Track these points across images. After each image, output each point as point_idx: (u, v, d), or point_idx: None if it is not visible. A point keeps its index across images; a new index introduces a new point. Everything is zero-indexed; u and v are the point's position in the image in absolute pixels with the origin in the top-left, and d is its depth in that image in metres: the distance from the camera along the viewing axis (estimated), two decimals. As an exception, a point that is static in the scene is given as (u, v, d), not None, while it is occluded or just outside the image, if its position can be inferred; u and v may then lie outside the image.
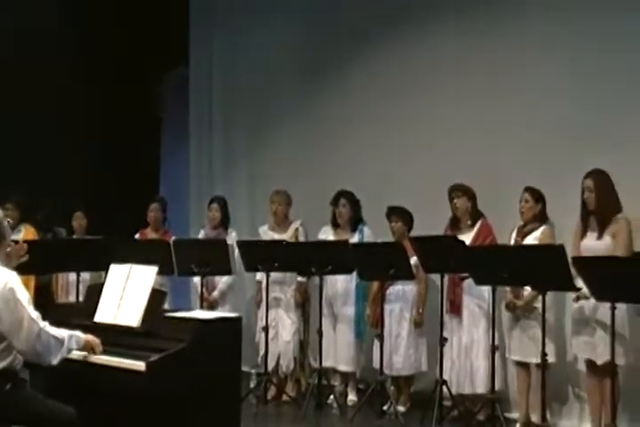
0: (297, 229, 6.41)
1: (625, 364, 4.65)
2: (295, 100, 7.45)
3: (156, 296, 3.74)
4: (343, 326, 6.06)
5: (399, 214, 5.97)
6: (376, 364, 5.69)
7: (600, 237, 4.86)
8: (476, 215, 5.65)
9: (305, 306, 6.36)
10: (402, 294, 5.84)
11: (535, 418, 4.95)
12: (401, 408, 5.69)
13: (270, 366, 6.07)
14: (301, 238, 6.37)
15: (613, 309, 4.26)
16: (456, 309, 5.53)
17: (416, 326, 5.77)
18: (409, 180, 6.40)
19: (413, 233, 5.80)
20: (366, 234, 6.17)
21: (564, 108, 5.58)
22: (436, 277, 5.57)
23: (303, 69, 7.42)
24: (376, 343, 5.74)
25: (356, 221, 6.21)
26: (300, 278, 6.27)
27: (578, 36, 5.58)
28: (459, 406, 5.35)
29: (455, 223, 5.73)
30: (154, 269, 3.76)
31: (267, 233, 6.47)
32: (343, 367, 6.08)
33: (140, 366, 3.35)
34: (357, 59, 7.02)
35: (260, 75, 7.71)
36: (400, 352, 5.76)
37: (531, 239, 5.24)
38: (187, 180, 8.44)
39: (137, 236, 6.77)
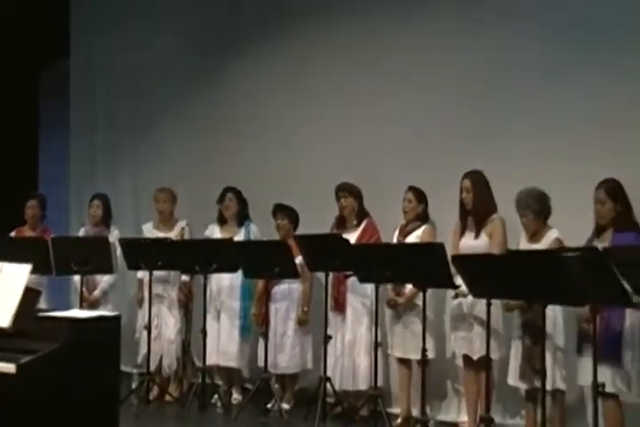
0: (183, 229, 6.34)
1: (499, 358, 4.86)
2: (180, 97, 7.39)
3: (30, 296, 3.61)
4: (228, 323, 6.04)
5: (285, 212, 6.01)
6: (261, 362, 5.70)
7: (477, 235, 5.04)
8: (361, 215, 5.76)
9: (188, 305, 6.30)
10: (287, 292, 5.88)
11: (416, 412, 5.09)
12: (285, 406, 5.73)
13: (153, 365, 5.98)
14: (187, 237, 6.31)
15: (489, 305, 4.42)
16: (340, 306, 5.61)
17: (301, 324, 5.83)
18: (296, 179, 6.45)
19: (300, 232, 5.85)
20: (253, 230, 6.18)
21: (449, 109, 5.75)
22: (321, 275, 5.64)
23: (187, 67, 7.38)
24: (261, 342, 5.76)
25: (242, 218, 6.20)
26: (184, 277, 6.20)
27: (450, 34, 5.77)
28: (342, 402, 5.45)
29: (341, 222, 5.82)
30: (27, 268, 3.62)
31: (151, 231, 6.37)
32: (227, 363, 6.05)
33: (9, 368, 3.23)
34: (240, 58, 7.04)
35: (143, 72, 7.61)
36: (285, 351, 5.80)
37: (412, 238, 5.39)
38: (67, 177, 8.21)
39: (13, 234, 6.52)
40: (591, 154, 4.95)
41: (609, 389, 3.97)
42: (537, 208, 4.65)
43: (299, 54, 6.67)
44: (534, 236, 4.69)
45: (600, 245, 4.10)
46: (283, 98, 6.73)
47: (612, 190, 4.31)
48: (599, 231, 4.36)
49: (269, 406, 5.61)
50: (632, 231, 4.21)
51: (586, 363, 4.09)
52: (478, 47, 5.61)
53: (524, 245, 4.74)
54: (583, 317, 4.19)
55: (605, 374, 4.03)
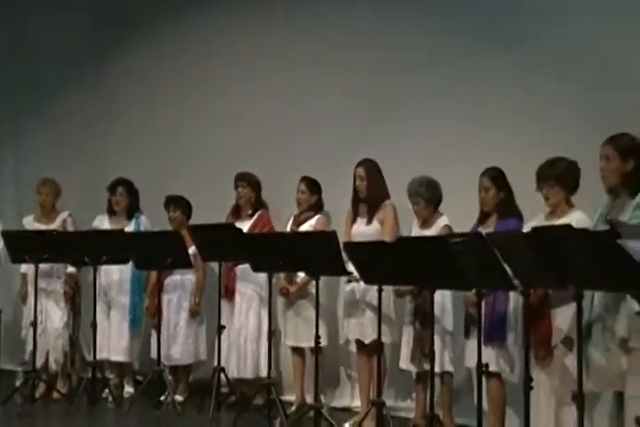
0: (65, 220, 6.20)
1: (390, 342, 5.04)
2: (66, 81, 7.22)
3: None
4: (118, 316, 5.99)
5: (177, 203, 6.01)
6: (154, 354, 5.68)
7: (369, 222, 5.21)
8: (257, 205, 5.82)
9: (75, 298, 6.19)
10: (180, 283, 5.89)
11: (310, 399, 5.21)
12: (179, 398, 5.75)
13: (39, 362, 5.86)
14: (70, 229, 6.17)
15: (380, 291, 4.57)
16: (229, 293, 5.66)
17: (193, 315, 5.85)
18: (191, 169, 6.46)
19: (199, 222, 5.81)
20: (143, 222, 6.13)
21: (341, 99, 5.89)
22: (215, 265, 5.67)
23: (73, 53, 7.21)
24: (154, 334, 5.75)
25: (132, 210, 6.15)
26: (69, 270, 6.09)
27: (349, 31, 5.91)
28: (236, 391, 5.51)
29: (236, 211, 5.87)
30: None
31: (32, 225, 6.21)
32: (118, 358, 6.00)
33: None
34: (127, 46, 6.95)
35: (25, 55, 7.39)
36: (179, 342, 5.81)
37: (306, 227, 5.51)
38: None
39: None
40: (479, 142, 5.18)
41: (492, 369, 4.20)
42: (428, 196, 4.84)
43: (191, 43, 6.63)
44: (425, 222, 4.89)
45: (484, 230, 4.32)
46: (178, 86, 6.69)
47: (496, 178, 4.54)
48: (483, 218, 4.59)
49: (162, 398, 5.62)
50: (513, 217, 4.45)
51: (472, 345, 4.29)
52: (379, 44, 5.75)
53: (416, 231, 4.93)
54: (469, 301, 4.41)
55: (490, 356, 4.25)
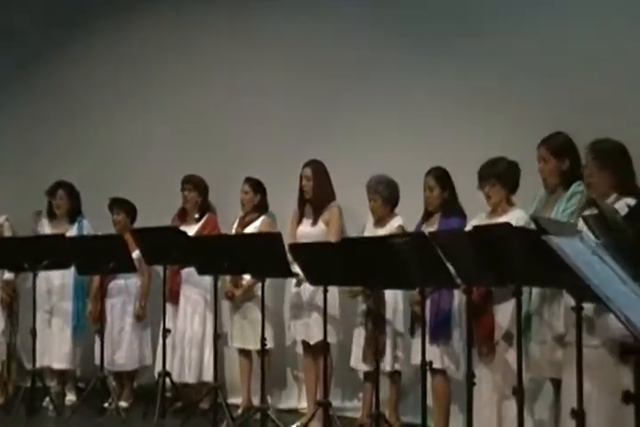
0: (2, 225, 6.13)
1: (336, 342, 5.12)
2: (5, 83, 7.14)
3: None
4: (60, 322, 5.94)
5: (121, 206, 6.00)
6: (97, 361, 5.66)
7: (314, 223, 5.29)
8: (204, 208, 5.85)
9: (13, 305, 6.11)
10: (124, 287, 5.88)
11: (257, 402, 5.26)
12: (123, 404, 5.74)
13: (-24, 372, 5.78)
14: (7, 234, 6.10)
15: (325, 292, 4.65)
16: (174, 297, 5.68)
17: (138, 319, 5.85)
18: (136, 171, 6.44)
19: (144, 225, 5.80)
20: (85, 226, 6.10)
21: (289, 100, 5.95)
22: (159, 268, 5.67)
23: (17, 52, 7.14)
24: (97, 339, 5.72)
25: (74, 213, 6.11)
26: (6, 276, 6.02)
27: (293, 32, 5.98)
28: (182, 396, 5.53)
29: (182, 215, 5.89)
30: None
31: (-34, 230, 6.12)
32: (60, 365, 5.96)
33: None
34: (69, 42, 6.90)
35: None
36: (123, 347, 5.80)
37: (251, 229, 5.56)
38: None
39: None
40: (422, 142, 5.29)
41: (437, 366, 4.32)
42: (386, 195, 4.95)
43: (131, 46, 6.63)
44: (380, 222, 4.99)
45: (428, 229, 4.44)
46: (120, 88, 6.67)
47: (440, 177, 4.67)
48: (427, 216, 4.71)
49: (106, 405, 5.59)
50: (457, 216, 4.58)
51: (418, 343, 4.41)
52: (320, 44, 5.84)
53: (370, 230, 5.02)
54: (414, 299, 4.52)
55: (435, 353, 4.38)
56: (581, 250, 1.58)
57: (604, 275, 1.57)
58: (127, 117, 6.66)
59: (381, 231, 4.90)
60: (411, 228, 4.77)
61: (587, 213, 2.88)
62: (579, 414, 3.12)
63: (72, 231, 5.99)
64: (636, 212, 1.90)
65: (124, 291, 5.87)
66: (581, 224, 2.81)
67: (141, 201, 6.01)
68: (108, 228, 6.01)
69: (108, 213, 6.03)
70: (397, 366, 4.84)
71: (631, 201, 3.10)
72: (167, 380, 5.39)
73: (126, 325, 5.83)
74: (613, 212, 2.00)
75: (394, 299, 4.78)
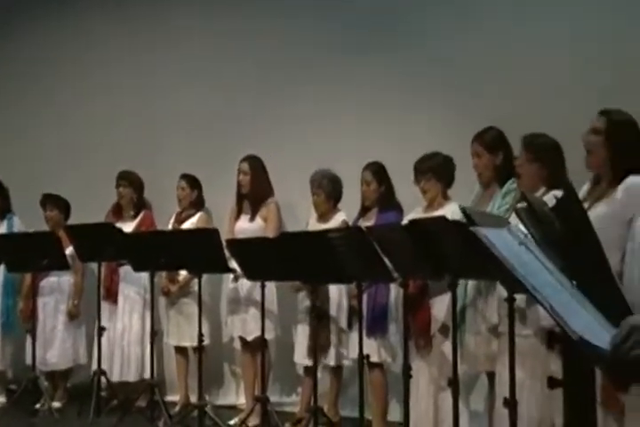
0: None
1: (274, 338, 5.16)
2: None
3: None
4: (-12, 322, 5.84)
5: (54, 202, 5.92)
6: (29, 360, 5.58)
7: (252, 219, 5.31)
8: (140, 205, 5.82)
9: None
10: (57, 285, 5.80)
11: (194, 399, 5.26)
12: (56, 404, 5.67)
13: None
14: None
15: (263, 286, 4.69)
16: (112, 296, 5.65)
17: (72, 317, 5.78)
18: (69, 168, 6.36)
19: (75, 222, 5.73)
20: (16, 223, 6.00)
21: (225, 94, 5.95)
22: (93, 265, 5.62)
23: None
24: (28, 339, 5.64)
25: (3, 211, 6.01)
26: None
27: (233, 29, 5.98)
28: (118, 394, 5.49)
29: (117, 212, 5.85)
30: None
31: None
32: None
33: None
34: (11, 36, 6.77)
35: None
36: (55, 346, 5.73)
37: (188, 225, 5.56)
38: None
39: None
40: (361, 138, 5.36)
41: (374, 359, 4.39)
42: (329, 189, 5.00)
43: (67, 41, 6.54)
44: (323, 217, 5.04)
45: (365, 224, 4.51)
46: (55, 84, 6.58)
47: (377, 172, 4.75)
48: (364, 211, 4.78)
49: (38, 406, 5.52)
50: (394, 211, 4.67)
51: (355, 337, 4.48)
52: (252, 36, 5.86)
53: (313, 225, 5.07)
54: (351, 293, 4.58)
55: (372, 347, 4.45)
56: (509, 241, 1.65)
57: (531, 265, 1.64)
58: (59, 113, 6.56)
59: (325, 226, 4.94)
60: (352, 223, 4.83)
61: (519, 206, 2.97)
62: (511, 403, 3.23)
63: (1, 229, 5.89)
64: (563, 203, 1.98)
65: (57, 289, 5.79)
66: (514, 218, 2.90)
67: (75, 198, 5.94)
68: (41, 225, 5.92)
69: (41, 210, 5.94)
70: (340, 361, 4.88)
71: (559, 193, 3.21)
72: (103, 378, 5.34)
73: (59, 323, 5.76)
74: (542, 204, 2.09)
75: (338, 295, 4.82)
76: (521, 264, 1.57)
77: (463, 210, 1.88)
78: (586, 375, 1.81)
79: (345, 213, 4.99)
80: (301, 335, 4.94)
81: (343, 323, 4.83)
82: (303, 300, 4.95)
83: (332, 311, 4.82)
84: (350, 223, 4.83)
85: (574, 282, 1.71)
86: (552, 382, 1.76)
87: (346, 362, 4.88)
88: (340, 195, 5.04)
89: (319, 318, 4.57)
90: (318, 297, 4.56)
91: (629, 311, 1.95)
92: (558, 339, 1.71)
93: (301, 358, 4.92)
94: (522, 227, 2.28)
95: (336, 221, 4.97)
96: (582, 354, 1.49)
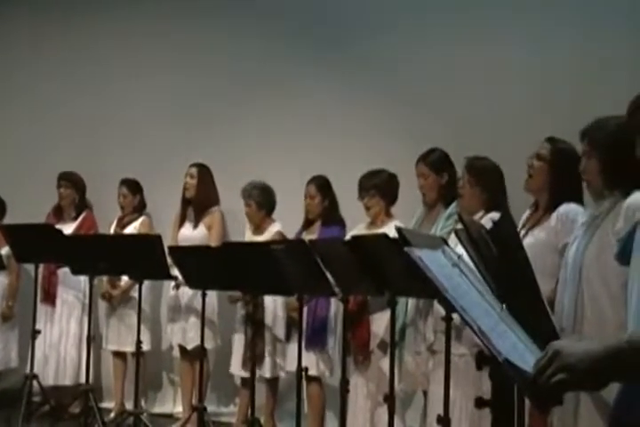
0: None
1: (213, 347, 5.15)
2: None
3: None
4: None
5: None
6: (-42, 363, 5.48)
7: (196, 226, 5.31)
8: (81, 206, 5.77)
9: None
10: (-9, 286, 5.70)
11: (130, 406, 5.22)
12: (-15, 408, 5.57)
13: None
14: None
15: (204, 295, 4.67)
16: (50, 299, 5.58)
17: (5, 319, 5.69)
18: (6, 166, 6.26)
19: (13, 221, 5.64)
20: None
21: (166, 100, 5.95)
22: (29, 267, 5.54)
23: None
24: (-41, 341, 5.54)
25: None
26: None
27: (183, 34, 5.98)
28: (50, 400, 5.41)
29: (58, 213, 5.80)
30: None
31: None
32: None
33: None
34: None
35: None
36: (-14, 349, 5.63)
37: (130, 229, 5.53)
38: None
39: None
40: (307, 150, 5.41)
41: (312, 372, 4.42)
42: (259, 200, 5.01)
43: (19, 42, 6.46)
44: (258, 228, 5.05)
45: (308, 237, 4.54)
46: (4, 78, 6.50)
47: (322, 186, 4.79)
48: (308, 224, 4.82)
49: (-35, 410, 5.40)
50: (337, 225, 4.71)
51: (294, 350, 4.49)
52: (206, 50, 5.87)
53: (249, 237, 5.08)
54: (291, 305, 4.60)
55: (311, 360, 4.48)
56: (442, 262, 1.70)
57: (462, 287, 1.68)
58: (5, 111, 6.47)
59: (259, 238, 4.97)
60: (290, 235, 4.85)
61: (458, 227, 3.04)
62: (444, 420, 3.29)
63: None
64: (498, 226, 2.04)
65: (-10, 289, 5.69)
66: (454, 239, 2.96)
67: (12, 198, 5.86)
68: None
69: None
70: (276, 373, 4.89)
71: (496, 215, 3.30)
72: (35, 383, 5.25)
73: (-8, 325, 5.66)
74: (478, 227, 2.14)
75: (273, 305, 4.85)
76: (452, 286, 1.61)
77: (398, 230, 1.92)
78: (514, 398, 1.86)
79: (285, 225, 4.99)
80: (237, 345, 4.94)
81: (279, 333, 4.85)
82: (240, 310, 4.96)
83: (268, 321, 4.82)
84: (292, 236, 4.83)
85: (504, 305, 1.77)
86: (480, 403, 1.81)
87: (282, 374, 4.89)
88: (273, 205, 5.06)
89: (254, 328, 4.56)
90: (253, 307, 4.56)
91: (556, 336, 2.02)
92: (487, 360, 1.76)
93: (236, 368, 4.92)
94: (460, 248, 2.34)
95: (270, 232, 4.99)
96: (508, 376, 1.54)
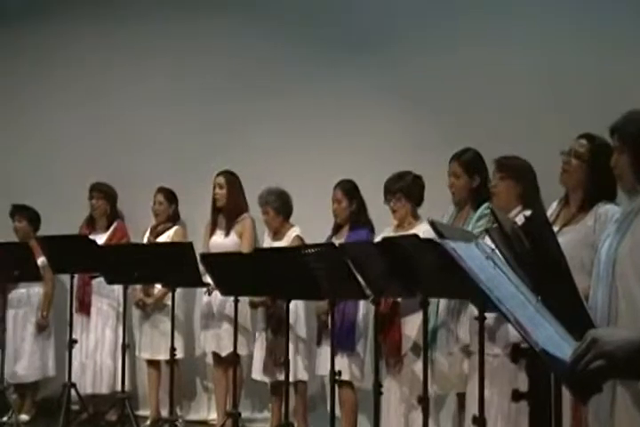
0: None
1: (247, 353, 5.17)
2: None
3: None
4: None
5: (23, 213, 5.92)
6: (-2, 373, 5.53)
7: (227, 234, 5.34)
8: (113, 216, 5.83)
9: None
10: (26, 297, 5.77)
11: (165, 413, 5.24)
12: (24, 417, 5.64)
13: None
14: None
15: (236, 302, 4.69)
16: (85, 308, 5.64)
17: (41, 329, 5.75)
18: (42, 178, 6.34)
19: (47, 232, 5.69)
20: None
21: (194, 109, 6.00)
22: (64, 277, 5.60)
23: None
24: (-3, 351, 5.59)
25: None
26: None
27: (200, 39, 6.05)
28: (88, 408, 5.46)
29: (91, 223, 5.85)
30: None
31: None
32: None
33: None
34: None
35: None
36: (24, 358, 5.70)
37: (164, 238, 5.57)
38: None
39: None
40: (334, 155, 5.43)
41: (345, 377, 4.41)
42: (277, 205, 5.04)
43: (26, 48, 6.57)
44: (277, 234, 5.07)
45: (337, 242, 4.54)
46: (31, 90, 6.58)
47: (348, 190, 4.79)
48: (337, 229, 4.82)
49: (5, 419, 5.46)
50: (365, 229, 4.71)
51: (324, 353, 4.50)
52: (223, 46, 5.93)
53: (268, 242, 5.10)
54: (321, 309, 4.61)
55: (342, 363, 4.47)
56: (476, 254, 1.70)
57: (497, 279, 1.68)
58: (31, 122, 6.56)
59: (279, 243, 5.00)
60: (310, 239, 4.85)
61: (490, 226, 3.03)
62: (479, 421, 3.27)
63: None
64: (532, 221, 2.03)
65: (26, 300, 5.76)
66: (488, 240, 2.95)
67: (45, 209, 5.94)
68: (8, 236, 5.89)
69: (9, 221, 5.91)
70: (301, 376, 4.89)
71: (528, 213, 3.28)
72: (73, 392, 5.30)
73: (28, 335, 5.73)
74: (511, 223, 2.14)
75: (295, 307, 4.82)
76: (487, 277, 1.61)
77: (432, 223, 1.92)
78: (551, 390, 1.85)
79: (309, 230, 4.99)
80: (258, 350, 4.95)
81: (302, 334, 4.85)
82: (260, 315, 4.97)
83: (291, 323, 4.81)
84: (311, 240, 4.82)
85: (539, 297, 1.76)
86: (516, 395, 1.80)
87: (305, 377, 4.87)
88: (291, 209, 5.08)
89: (276, 331, 4.54)
90: (276, 311, 4.54)
91: (593, 327, 2.00)
92: (523, 353, 1.75)
93: (259, 374, 4.92)
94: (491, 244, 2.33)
95: (289, 236, 5.00)
96: (545, 367, 1.53)
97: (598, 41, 4.72)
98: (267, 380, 4.89)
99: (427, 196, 4.39)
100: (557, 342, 1.59)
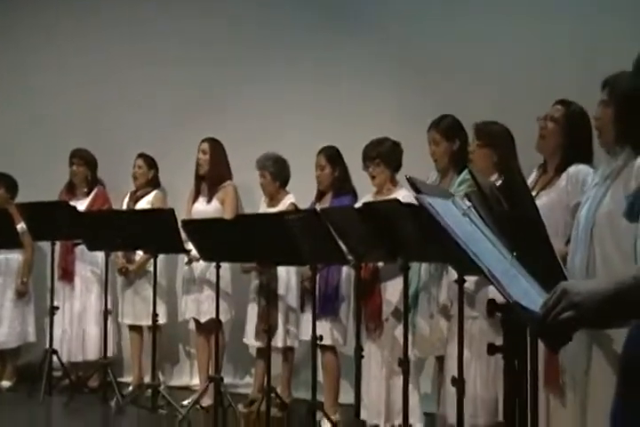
0: None
1: (228, 319, 5.23)
2: None
3: None
4: None
5: (1, 181, 5.92)
6: (-24, 340, 5.57)
7: (209, 201, 5.37)
8: (93, 183, 5.84)
9: None
10: (4, 263, 5.79)
11: (148, 379, 5.31)
12: (6, 383, 5.68)
13: None
14: None
15: (218, 268, 4.73)
16: (68, 276, 5.66)
17: (20, 295, 5.77)
18: (20, 145, 6.32)
19: (26, 199, 5.71)
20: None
21: (177, 75, 5.99)
22: (44, 244, 5.62)
23: None
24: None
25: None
26: None
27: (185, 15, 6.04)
28: (70, 374, 5.51)
29: (71, 190, 5.86)
30: None
31: None
32: None
33: None
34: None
35: None
36: (4, 324, 5.72)
37: (143, 204, 5.60)
38: None
39: None
40: (320, 122, 5.45)
41: (327, 341, 4.48)
42: (273, 170, 5.06)
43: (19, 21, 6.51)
44: (272, 200, 5.10)
45: (319, 207, 4.58)
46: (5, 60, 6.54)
47: (332, 156, 4.81)
48: (320, 196, 4.86)
49: (-13, 386, 5.52)
50: (348, 195, 4.74)
51: (307, 318, 4.56)
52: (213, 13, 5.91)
53: (263, 209, 5.13)
54: (305, 275, 4.66)
55: (325, 328, 4.54)
56: (452, 211, 1.74)
57: (473, 235, 1.73)
58: (7, 89, 6.52)
59: (274, 210, 5.01)
60: (304, 206, 4.89)
61: (469, 190, 3.08)
62: (458, 382, 3.35)
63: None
64: (510, 181, 2.08)
65: (5, 267, 5.78)
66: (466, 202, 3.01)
67: (24, 176, 5.93)
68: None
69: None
70: (289, 342, 4.95)
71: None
72: (55, 358, 5.35)
73: (7, 301, 5.75)
74: (490, 184, 2.19)
75: (286, 275, 4.90)
76: (464, 233, 1.66)
77: (409, 179, 1.96)
78: (526, 343, 1.92)
79: (299, 197, 5.04)
80: (251, 316, 5.00)
81: (292, 303, 4.90)
82: (254, 280, 5.02)
83: (281, 291, 4.88)
84: (305, 207, 4.88)
85: (515, 254, 1.81)
86: (491, 349, 1.86)
87: (296, 344, 4.95)
88: (287, 176, 5.09)
89: (268, 298, 4.63)
90: (267, 277, 4.62)
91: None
92: (499, 308, 1.81)
93: (251, 339, 4.99)
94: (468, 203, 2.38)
95: (284, 204, 5.03)
96: (520, 320, 1.59)
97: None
98: (258, 345, 4.93)
99: (410, 162, 4.42)
100: (532, 295, 1.65)
